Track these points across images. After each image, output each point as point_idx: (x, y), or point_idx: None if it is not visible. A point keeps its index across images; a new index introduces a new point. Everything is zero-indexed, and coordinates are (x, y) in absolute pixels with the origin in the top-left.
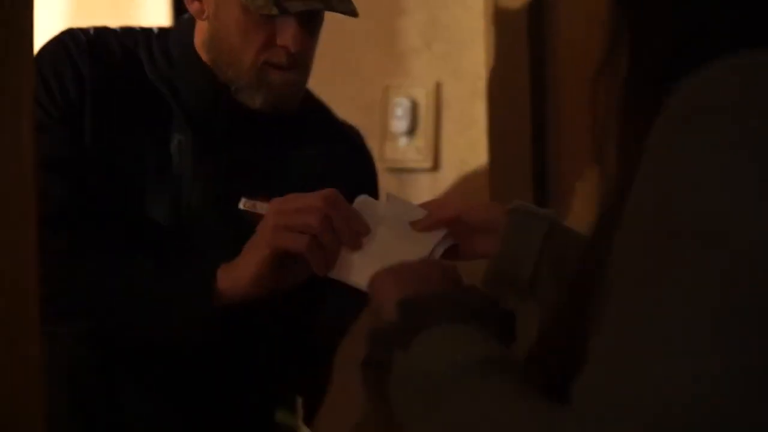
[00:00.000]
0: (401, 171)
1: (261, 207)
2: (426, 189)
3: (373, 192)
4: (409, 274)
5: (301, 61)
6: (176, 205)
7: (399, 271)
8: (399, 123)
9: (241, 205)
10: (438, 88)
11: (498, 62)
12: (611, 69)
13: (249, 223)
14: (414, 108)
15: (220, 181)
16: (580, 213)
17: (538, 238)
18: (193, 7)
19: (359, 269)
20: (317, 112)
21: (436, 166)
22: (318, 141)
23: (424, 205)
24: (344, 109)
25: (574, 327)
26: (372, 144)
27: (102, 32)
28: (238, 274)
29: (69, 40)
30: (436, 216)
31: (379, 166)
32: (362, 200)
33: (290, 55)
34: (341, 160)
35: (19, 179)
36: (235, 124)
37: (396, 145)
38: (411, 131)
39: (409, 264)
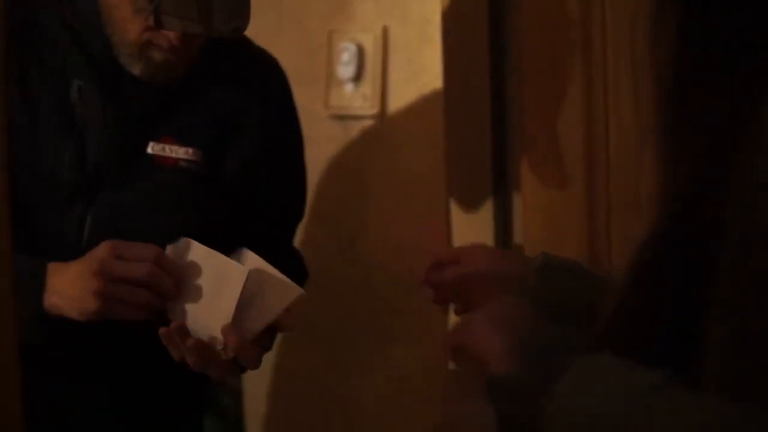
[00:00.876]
0: (346, 118)
1: (170, 150)
2: (372, 137)
3: (290, 128)
4: (501, 319)
5: (185, 50)
6: (80, 158)
7: (491, 317)
8: (345, 69)
9: (149, 149)
10: (385, 32)
11: (453, 6)
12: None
13: (158, 168)
14: (360, 53)
15: (128, 126)
16: (542, 163)
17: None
18: None
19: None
20: (230, 46)
21: (383, 113)
22: (231, 73)
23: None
24: (288, 55)
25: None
26: (317, 91)
27: None
28: (63, 303)
29: None
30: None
31: (324, 114)
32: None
33: (173, 45)
34: (255, 95)
35: None
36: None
37: (342, 92)
38: (357, 78)
39: (495, 307)
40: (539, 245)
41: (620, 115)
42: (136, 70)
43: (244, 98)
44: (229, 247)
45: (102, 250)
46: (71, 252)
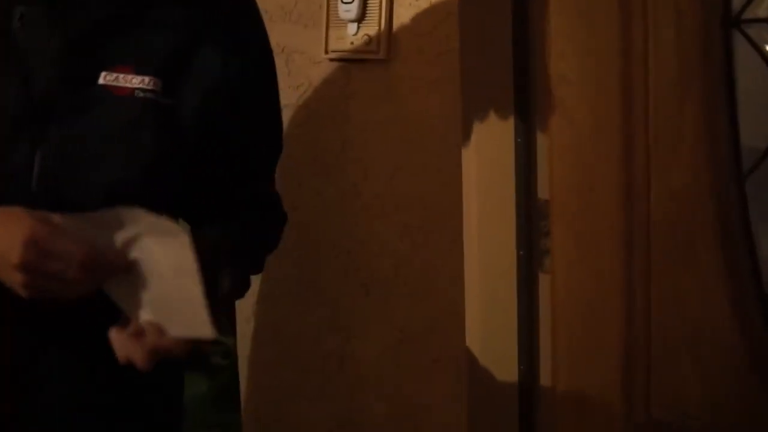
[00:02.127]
0: (349, 62)
1: (125, 80)
2: (379, 82)
3: (260, 58)
4: None
5: None
6: (25, 90)
7: None
8: (347, 8)
9: (101, 80)
10: None
11: None
12: None
13: (112, 99)
14: None
15: (77, 55)
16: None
17: None
18: None
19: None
20: None
21: (388, 57)
22: None
23: None
24: None
25: None
26: (316, 32)
27: None
28: None
29: None
30: None
31: (324, 57)
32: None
33: None
34: (216, 11)
35: None
36: None
37: (344, 34)
38: (361, 17)
39: None
40: (567, 192)
41: (660, 60)
42: None
43: (204, 15)
44: (194, 192)
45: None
46: (19, 190)
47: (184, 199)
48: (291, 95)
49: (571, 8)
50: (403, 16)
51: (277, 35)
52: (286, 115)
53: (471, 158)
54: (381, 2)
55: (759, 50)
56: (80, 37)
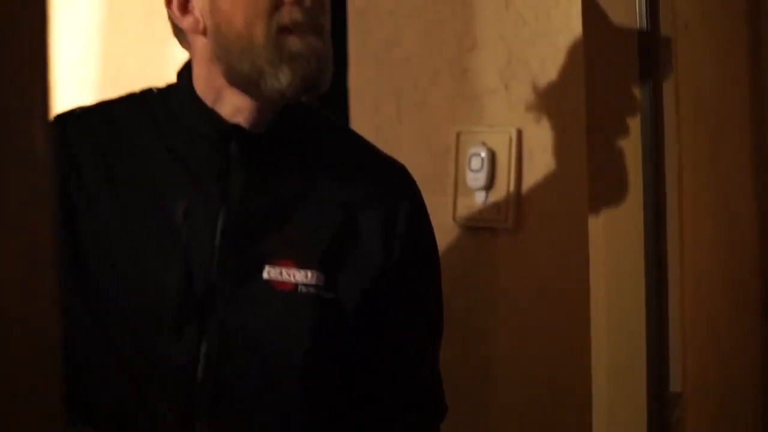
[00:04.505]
0: (477, 230)
1: (288, 275)
2: (508, 252)
3: (428, 254)
4: None
5: (316, 23)
6: (187, 284)
7: None
8: (475, 176)
9: (265, 274)
10: (519, 135)
11: (596, 107)
12: None
13: (274, 294)
14: (492, 158)
15: (238, 248)
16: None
17: None
18: (186, 23)
19: None
20: (348, 141)
21: (517, 225)
22: (351, 179)
23: None
24: (411, 158)
25: None
26: (444, 199)
27: (91, 108)
28: None
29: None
30: None
31: (452, 224)
32: None
33: (305, 10)
34: (380, 206)
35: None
36: (249, 171)
37: (472, 201)
38: (489, 186)
39: None
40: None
41: None
42: (283, 80)
43: (363, 197)
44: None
45: None
46: (185, 381)
47: (342, 387)
48: None
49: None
50: (531, 183)
51: None
52: None
53: (600, 337)
54: (510, 170)
55: None
56: (242, 231)
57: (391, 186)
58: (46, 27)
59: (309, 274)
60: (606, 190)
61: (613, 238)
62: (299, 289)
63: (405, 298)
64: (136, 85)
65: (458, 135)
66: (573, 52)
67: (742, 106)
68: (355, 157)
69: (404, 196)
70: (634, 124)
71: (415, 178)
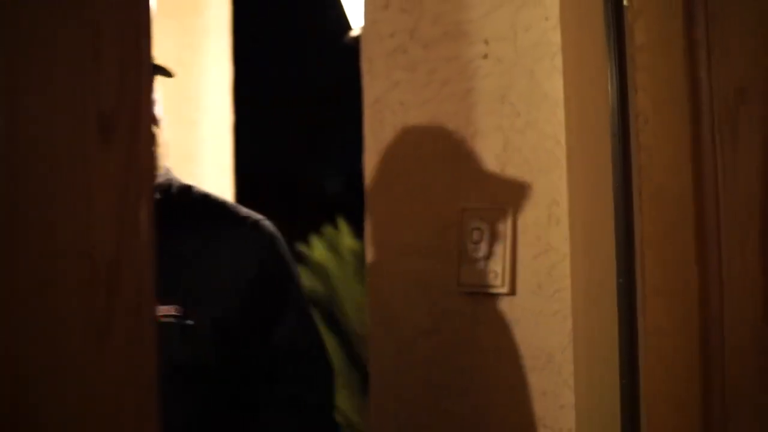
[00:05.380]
0: (477, 294)
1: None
2: (503, 313)
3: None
4: None
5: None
6: None
7: None
8: (476, 247)
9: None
10: (515, 212)
11: (577, 189)
12: None
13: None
14: (491, 232)
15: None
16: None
17: None
18: None
19: None
20: (213, 204)
21: (512, 291)
22: (219, 230)
23: None
24: (419, 232)
25: None
26: (448, 267)
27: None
28: None
29: None
30: None
31: (456, 290)
32: None
33: None
34: (244, 247)
35: None
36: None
37: (473, 269)
38: (488, 255)
39: None
40: None
41: None
42: None
43: (222, 253)
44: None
45: None
46: None
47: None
48: (426, 322)
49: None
50: (525, 256)
51: (419, 269)
52: (423, 341)
53: (581, 393)
54: (506, 243)
55: None
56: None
57: (244, 234)
58: None
59: (170, 308)
60: (586, 261)
61: (591, 306)
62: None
63: (259, 314)
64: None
65: (462, 211)
66: (558, 138)
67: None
68: (219, 215)
69: (255, 241)
70: (608, 208)
71: (423, 249)
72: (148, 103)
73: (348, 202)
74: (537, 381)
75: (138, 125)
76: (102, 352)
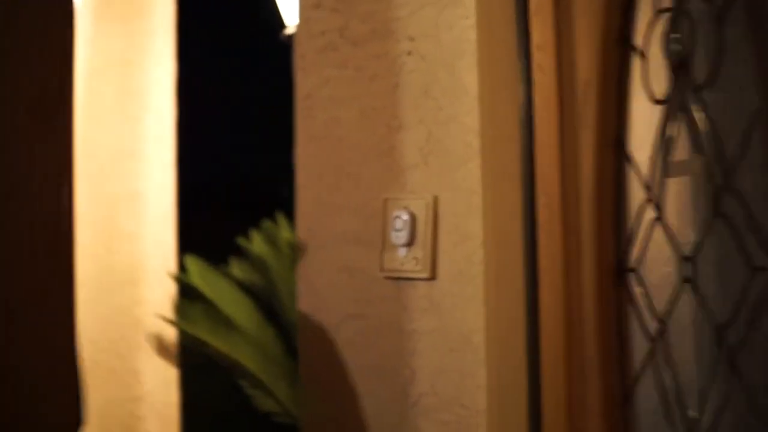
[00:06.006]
0: (399, 280)
1: None
2: (423, 297)
3: None
4: None
5: None
6: None
7: None
8: (398, 235)
9: None
10: (435, 201)
11: (492, 179)
12: None
13: None
14: (413, 220)
15: None
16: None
17: None
18: None
19: None
20: None
21: (433, 276)
22: None
23: None
24: (347, 219)
25: None
26: (373, 254)
27: None
28: None
29: None
30: None
31: (379, 275)
32: None
33: None
34: None
35: None
36: None
37: (395, 256)
38: (410, 243)
39: None
40: None
41: None
42: None
43: None
44: None
45: None
46: None
47: None
48: (351, 307)
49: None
50: (445, 243)
51: (345, 256)
52: (348, 325)
53: (493, 373)
54: (427, 231)
55: None
56: None
57: None
58: None
59: None
60: (499, 246)
61: (503, 291)
62: None
63: None
64: (110, 159)
65: (385, 201)
66: (477, 131)
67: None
68: None
69: None
70: (516, 199)
71: (350, 238)
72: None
73: (287, 197)
74: (455, 362)
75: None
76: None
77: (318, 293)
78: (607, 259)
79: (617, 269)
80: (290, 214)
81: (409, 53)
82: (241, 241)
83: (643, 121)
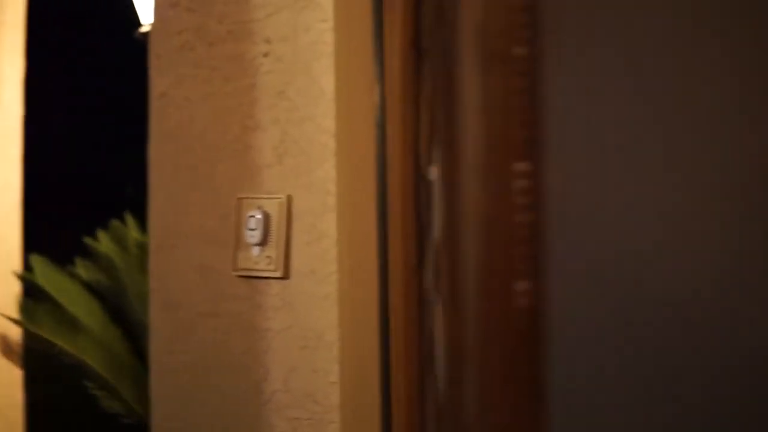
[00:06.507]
0: (252, 279)
1: None
2: (277, 295)
3: None
4: None
5: None
6: None
7: None
8: (252, 234)
9: None
10: (289, 201)
11: (347, 179)
12: None
13: None
14: (266, 220)
15: None
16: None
17: None
18: None
19: None
20: None
21: (286, 275)
22: None
23: None
24: (201, 218)
25: None
26: (227, 252)
27: None
28: None
29: None
30: None
31: (233, 274)
32: None
33: None
34: None
35: None
36: None
37: (249, 255)
38: (263, 242)
39: None
40: None
41: None
42: None
43: None
44: None
45: None
46: None
47: None
48: (205, 306)
49: None
50: (299, 242)
51: (199, 255)
52: (201, 324)
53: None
54: (280, 230)
55: None
56: None
57: None
58: None
59: None
60: (354, 249)
61: (356, 288)
62: None
63: None
64: None
65: (239, 200)
66: (332, 131)
67: None
68: None
69: None
70: (371, 201)
71: (204, 237)
72: None
73: (136, 197)
74: (309, 359)
75: None
76: None
77: (171, 292)
78: None
79: None
80: (140, 215)
81: (266, 55)
82: (88, 240)
83: None
